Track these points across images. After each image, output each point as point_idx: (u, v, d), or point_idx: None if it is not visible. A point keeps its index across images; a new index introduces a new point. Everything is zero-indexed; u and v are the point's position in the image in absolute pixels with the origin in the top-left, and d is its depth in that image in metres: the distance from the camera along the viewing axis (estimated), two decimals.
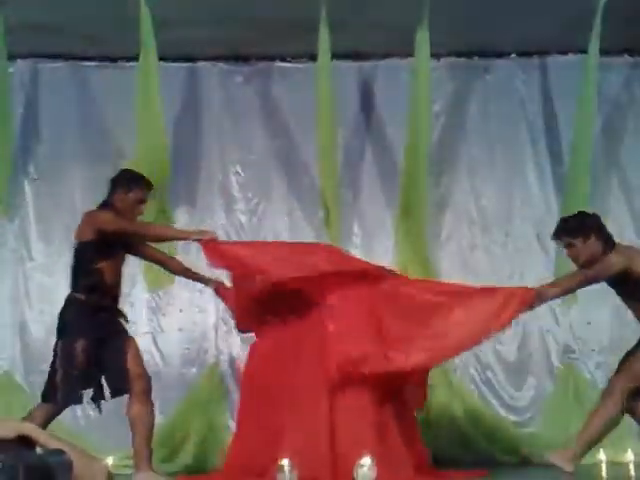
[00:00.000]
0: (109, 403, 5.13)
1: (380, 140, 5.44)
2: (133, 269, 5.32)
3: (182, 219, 5.41)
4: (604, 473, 4.10)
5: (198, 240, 4.09)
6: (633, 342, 5.14)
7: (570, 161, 5.20)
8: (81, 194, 5.39)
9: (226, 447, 4.90)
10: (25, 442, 2.69)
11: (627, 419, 5.06)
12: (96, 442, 5.04)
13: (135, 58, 5.08)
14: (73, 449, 2.78)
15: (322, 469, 3.40)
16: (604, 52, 5.12)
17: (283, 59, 5.51)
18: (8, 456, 2.54)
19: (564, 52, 5.46)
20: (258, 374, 4.01)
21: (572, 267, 5.22)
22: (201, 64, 5.50)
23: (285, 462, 2.96)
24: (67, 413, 5.09)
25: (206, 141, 5.45)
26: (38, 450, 2.71)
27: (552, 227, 5.30)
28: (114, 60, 5.45)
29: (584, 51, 5.09)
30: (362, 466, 2.92)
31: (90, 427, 5.10)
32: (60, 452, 2.65)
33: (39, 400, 5.11)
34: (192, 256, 5.22)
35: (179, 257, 4.76)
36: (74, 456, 2.69)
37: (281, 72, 5.50)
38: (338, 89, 5.16)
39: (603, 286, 5.27)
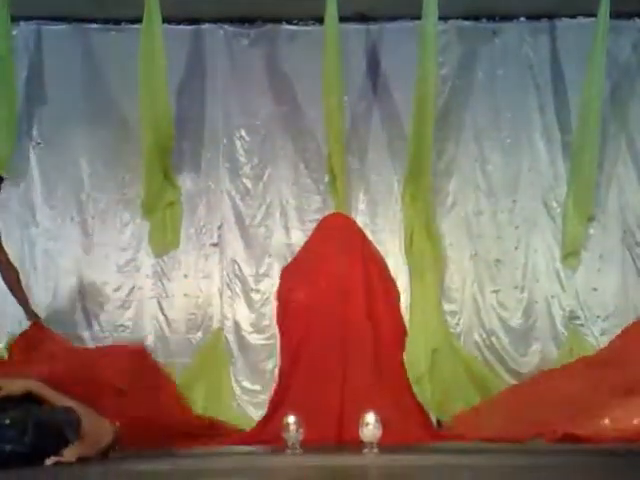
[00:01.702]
0: None
1: (387, 104, 5.38)
2: (138, 234, 5.33)
3: (187, 184, 5.39)
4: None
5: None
6: (639, 308, 5.16)
7: (578, 127, 5.15)
8: (86, 158, 5.37)
9: (231, 411, 4.98)
10: (32, 399, 2.72)
11: None
12: None
13: (139, 20, 5.03)
14: (81, 407, 2.81)
15: (329, 426, 3.44)
16: (614, 15, 5.06)
17: (290, 22, 5.43)
18: (17, 412, 2.57)
19: (573, 15, 5.37)
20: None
21: (580, 236, 5.21)
22: (206, 26, 5.43)
23: (291, 419, 2.97)
24: None
25: (211, 105, 5.39)
26: (46, 407, 2.74)
27: (559, 194, 5.33)
28: (118, 22, 5.39)
29: (594, 14, 5.03)
30: (367, 424, 2.93)
31: None
32: (69, 410, 2.68)
33: None
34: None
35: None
36: (82, 414, 2.72)
37: (288, 35, 5.42)
38: (345, 52, 5.11)
39: (609, 253, 5.28)
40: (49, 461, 2.53)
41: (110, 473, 2.37)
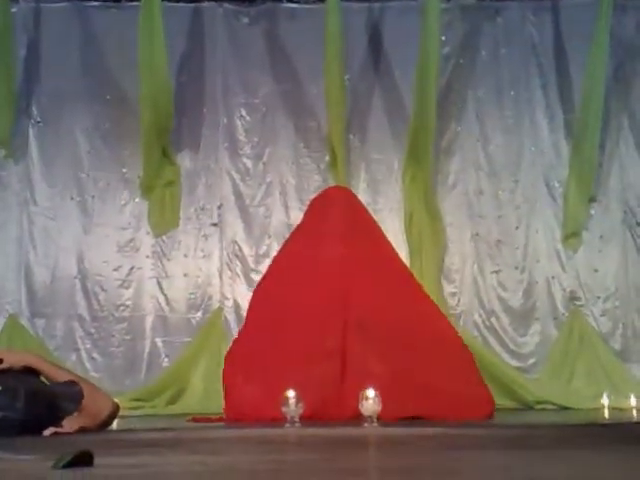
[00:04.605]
0: (116, 347, 5.20)
1: (388, 83, 5.35)
2: (137, 213, 5.31)
3: (186, 163, 5.36)
4: (606, 418, 4.12)
5: None
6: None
7: (581, 106, 5.13)
8: (85, 137, 5.35)
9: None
10: (31, 373, 2.72)
11: (631, 365, 5.09)
12: (101, 385, 5.08)
13: None
14: (81, 380, 2.80)
15: (330, 401, 3.44)
16: None
17: None
18: (11, 380, 2.57)
19: None
20: (264, 304, 4.03)
21: (581, 216, 5.20)
22: (206, 4, 5.39)
23: (291, 394, 2.97)
24: (72, 356, 5.15)
25: (210, 83, 5.36)
26: (44, 380, 2.74)
27: (561, 174, 5.31)
28: (117, 0, 5.34)
29: None
30: (367, 398, 2.93)
31: (95, 370, 5.12)
32: (71, 382, 2.68)
33: (44, 342, 5.18)
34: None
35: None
36: (82, 386, 2.71)
37: (288, 13, 5.39)
38: (346, 31, 5.09)
39: (610, 233, 5.26)
40: (47, 431, 2.53)
41: (113, 442, 2.37)
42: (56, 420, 2.56)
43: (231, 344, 4.16)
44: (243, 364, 3.76)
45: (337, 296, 3.81)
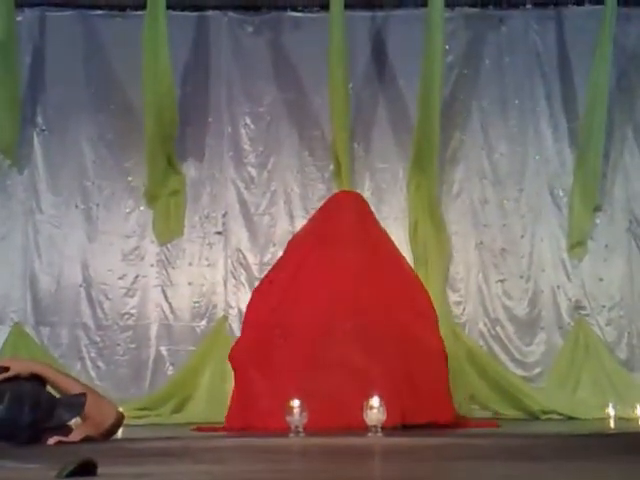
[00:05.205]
0: (121, 355, 5.20)
1: (392, 92, 5.37)
2: (142, 222, 5.32)
3: (191, 172, 5.37)
4: (612, 428, 4.12)
5: None
6: None
7: (585, 115, 5.13)
8: (90, 145, 5.36)
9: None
10: (38, 381, 2.72)
11: (637, 375, 5.07)
12: (106, 393, 5.08)
13: (143, 6, 5.03)
14: (85, 389, 2.81)
15: (333, 411, 3.43)
16: (622, 2, 5.04)
17: (294, 8, 5.41)
18: (5, 385, 2.57)
19: (580, 2, 5.35)
20: (261, 315, 4.02)
21: (586, 225, 5.19)
22: (210, 13, 5.42)
23: (295, 403, 2.96)
24: (77, 364, 5.15)
25: (215, 92, 5.38)
26: (49, 388, 2.74)
27: (566, 182, 5.31)
28: (122, 9, 5.38)
29: (601, 2, 5.01)
30: (372, 408, 2.92)
31: (100, 378, 5.11)
32: (79, 396, 2.67)
33: (49, 351, 5.18)
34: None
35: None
36: (86, 395, 2.72)
37: (292, 22, 5.41)
38: (350, 40, 5.10)
39: (615, 243, 5.26)
40: (52, 440, 2.53)
41: (118, 451, 2.37)
42: (41, 429, 2.56)
43: (230, 350, 4.14)
44: (247, 368, 3.76)
45: (344, 302, 3.81)
